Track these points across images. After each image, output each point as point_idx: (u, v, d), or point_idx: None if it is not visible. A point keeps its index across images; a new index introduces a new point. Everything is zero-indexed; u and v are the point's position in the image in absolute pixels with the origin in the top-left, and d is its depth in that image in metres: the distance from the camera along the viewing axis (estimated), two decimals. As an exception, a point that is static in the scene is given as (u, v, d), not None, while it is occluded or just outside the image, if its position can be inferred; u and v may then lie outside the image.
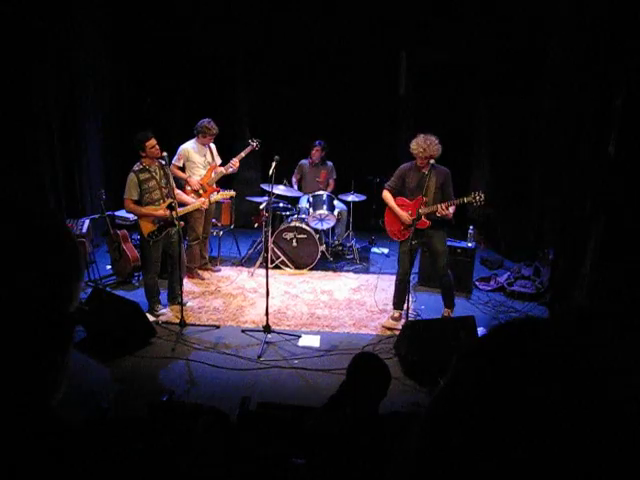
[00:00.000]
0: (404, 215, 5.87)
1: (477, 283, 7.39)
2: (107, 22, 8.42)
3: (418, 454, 0.62)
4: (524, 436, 0.55)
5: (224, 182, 7.75)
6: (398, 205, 5.95)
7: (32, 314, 0.76)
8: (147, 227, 5.93)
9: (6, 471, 0.71)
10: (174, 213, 5.86)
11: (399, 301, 6.22)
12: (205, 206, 6.64)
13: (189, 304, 6.59)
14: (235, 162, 7.13)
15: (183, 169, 7.04)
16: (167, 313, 6.35)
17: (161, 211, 5.94)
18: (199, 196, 6.92)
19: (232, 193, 6.83)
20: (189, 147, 7.02)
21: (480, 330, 5.39)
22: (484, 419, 0.58)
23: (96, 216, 7.26)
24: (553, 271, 6.90)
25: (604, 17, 5.78)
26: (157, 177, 5.96)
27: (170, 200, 5.93)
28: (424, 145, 5.65)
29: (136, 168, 5.89)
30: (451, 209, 5.73)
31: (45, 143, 7.41)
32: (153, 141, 5.85)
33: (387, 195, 6.03)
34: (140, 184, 5.86)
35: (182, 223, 6.23)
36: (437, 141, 5.70)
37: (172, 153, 6.58)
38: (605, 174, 5.64)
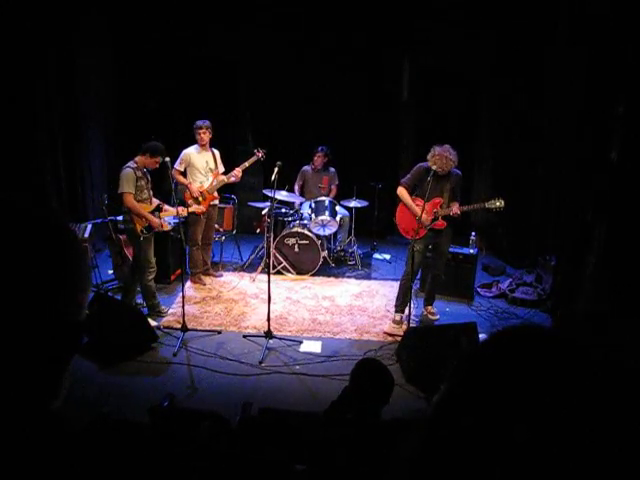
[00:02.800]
0: (422, 215, 5.81)
1: (479, 289, 7.38)
2: (109, 25, 8.44)
3: (418, 458, 0.62)
4: (523, 440, 0.55)
5: (226, 187, 7.76)
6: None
7: (37, 321, 0.76)
8: (140, 222, 5.99)
9: (6, 474, 0.71)
10: (160, 214, 6.10)
11: (402, 303, 6.20)
12: (184, 213, 6.58)
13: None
14: (238, 172, 7.03)
15: (184, 174, 7.03)
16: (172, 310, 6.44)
17: (156, 220, 6.02)
18: (198, 204, 6.88)
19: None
20: (191, 151, 7.00)
21: (482, 336, 5.38)
22: (484, 424, 0.58)
23: (98, 221, 7.27)
24: (555, 277, 6.88)
25: (606, 20, 5.79)
26: (145, 178, 6.07)
27: (157, 203, 6.13)
28: (445, 166, 5.71)
29: (132, 165, 5.94)
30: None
31: (47, 147, 7.43)
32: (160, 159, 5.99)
33: (403, 192, 6.04)
34: (136, 181, 5.94)
35: (165, 226, 6.30)
36: (452, 154, 5.72)
37: (173, 158, 6.60)
38: (607, 180, 5.64)
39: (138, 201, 5.98)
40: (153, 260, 6.19)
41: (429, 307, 6.48)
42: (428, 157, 5.81)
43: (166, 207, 6.28)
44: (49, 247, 0.79)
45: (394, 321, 6.27)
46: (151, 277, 6.21)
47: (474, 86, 8.86)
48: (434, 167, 5.69)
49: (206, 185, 7.01)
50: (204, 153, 7.04)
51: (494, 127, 8.64)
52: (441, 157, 5.69)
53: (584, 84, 6.38)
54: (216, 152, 7.16)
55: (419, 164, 6.03)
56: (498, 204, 5.78)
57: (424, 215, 5.82)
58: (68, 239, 0.82)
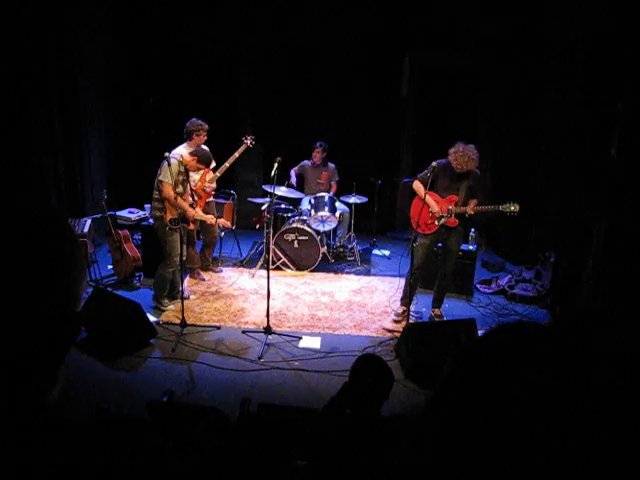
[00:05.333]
0: (435, 206, 5.86)
1: (478, 286, 7.38)
2: (109, 23, 8.43)
3: (414, 452, 0.62)
4: (514, 436, 0.55)
5: (225, 183, 7.74)
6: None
7: (34, 313, 0.76)
8: (172, 213, 6.00)
9: (3, 469, 0.71)
10: (194, 212, 6.10)
11: (406, 296, 6.19)
12: (212, 222, 6.67)
13: (192, 297, 6.73)
14: (228, 164, 6.92)
15: None
16: (174, 308, 6.42)
17: (191, 210, 6.06)
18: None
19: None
20: (181, 152, 6.70)
21: (480, 333, 5.39)
22: (478, 419, 0.58)
23: (98, 216, 7.26)
24: (554, 274, 6.89)
25: (607, 19, 5.78)
26: (185, 174, 6.06)
27: (191, 202, 6.09)
28: (465, 165, 5.66)
29: (179, 158, 5.99)
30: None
31: (47, 143, 7.41)
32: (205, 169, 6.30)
33: (419, 185, 5.99)
34: (177, 174, 5.96)
35: (193, 225, 6.38)
36: (476, 155, 5.68)
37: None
38: (607, 177, 5.64)
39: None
40: (175, 256, 6.11)
41: (436, 309, 6.40)
42: (450, 151, 5.72)
43: (198, 210, 6.27)
44: (45, 240, 0.79)
45: (396, 314, 6.27)
46: (170, 270, 6.24)
47: (474, 85, 8.85)
48: (453, 162, 5.67)
49: (198, 183, 6.93)
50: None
51: (494, 126, 8.63)
52: (464, 155, 5.62)
53: (584, 84, 6.37)
54: (205, 148, 7.07)
55: (437, 160, 5.90)
56: (513, 208, 5.72)
57: (437, 206, 5.86)
58: (64, 232, 0.82)
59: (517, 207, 5.73)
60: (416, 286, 6.16)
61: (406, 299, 6.18)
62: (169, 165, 5.82)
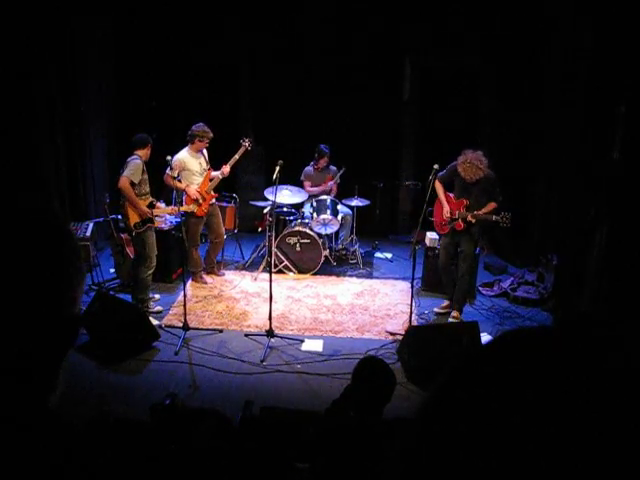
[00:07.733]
0: (446, 207, 6.17)
1: (480, 288, 7.37)
2: (111, 26, 8.45)
3: (409, 454, 0.62)
4: (513, 443, 0.55)
5: (228, 186, 7.74)
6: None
7: (32, 314, 0.76)
8: (134, 217, 6.07)
9: (5, 471, 0.71)
10: (153, 211, 6.18)
11: (446, 289, 6.66)
12: (173, 211, 6.67)
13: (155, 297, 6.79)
14: (229, 166, 6.97)
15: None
16: (161, 309, 6.52)
17: (145, 208, 6.11)
18: (199, 205, 6.83)
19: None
20: (184, 156, 6.84)
21: (483, 335, 5.38)
22: (478, 423, 0.58)
23: (100, 219, 7.28)
24: (557, 277, 6.88)
25: (607, 22, 5.79)
26: (147, 172, 6.18)
27: (151, 199, 6.21)
28: (473, 175, 5.87)
29: (141, 158, 6.06)
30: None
31: (49, 146, 7.43)
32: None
33: (439, 186, 6.23)
34: (142, 173, 6.04)
35: (158, 222, 6.52)
36: (484, 162, 5.84)
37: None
38: (609, 180, 5.64)
39: (139, 194, 6.06)
40: (153, 256, 6.23)
41: (454, 312, 6.45)
42: (459, 160, 5.92)
43: (159, 205, 6.37)
44: (44, 243, 0.79)
45: (441, 307, 6.65)
46: (148, 272, 6.25)
47: (474, 85, 8.86)
48: (462, 173, 5.88)
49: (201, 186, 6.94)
50: (197, 155, 6.94)
51: (495, 127, 8.63)
52: (472, 166, 5.83)
53: (585, 85, 6.38)
54: (204, 151, 7.08)
55: (455, 162, 6.09)
56: (504, 219, 5.92)
57: (447, 210, 6.15)
58: (62, 235, 0.82)
59: (509, 217, 5.90)
60: (447, 284, 6.56)
61: (448, 293, 6.62)
62: (143, 165, 6.04)
